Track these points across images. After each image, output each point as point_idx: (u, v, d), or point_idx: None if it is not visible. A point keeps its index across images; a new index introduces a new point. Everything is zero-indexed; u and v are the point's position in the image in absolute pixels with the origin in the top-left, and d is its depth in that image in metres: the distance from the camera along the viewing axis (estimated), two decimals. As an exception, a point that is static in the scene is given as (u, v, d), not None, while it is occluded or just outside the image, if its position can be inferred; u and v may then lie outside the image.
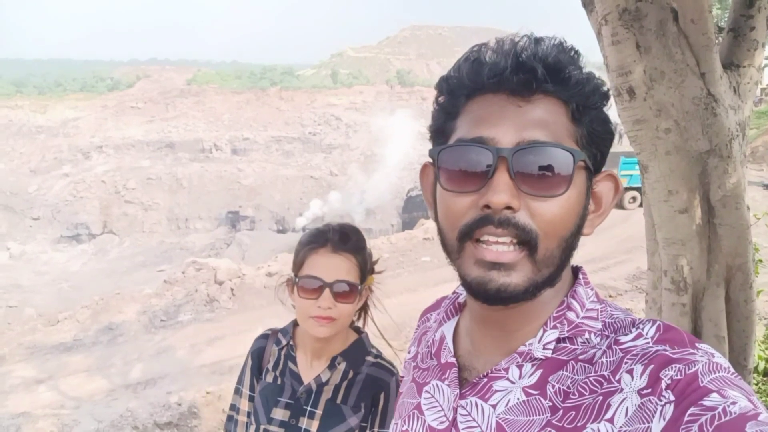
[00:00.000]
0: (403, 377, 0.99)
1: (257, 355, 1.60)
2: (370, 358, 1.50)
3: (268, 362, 1.58)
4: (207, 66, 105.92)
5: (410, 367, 0.95)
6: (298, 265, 1.48)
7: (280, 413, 1.47)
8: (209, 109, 57.10)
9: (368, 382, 1.45)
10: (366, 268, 1.50)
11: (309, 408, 1.45)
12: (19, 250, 38.73)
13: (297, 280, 1.45)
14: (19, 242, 39.78)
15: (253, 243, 34.89)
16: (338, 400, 1.44)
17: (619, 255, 13.88)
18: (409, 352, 1.00)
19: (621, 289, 12.18)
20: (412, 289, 11.80)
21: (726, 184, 2.23)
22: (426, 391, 0.85)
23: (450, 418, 0.78)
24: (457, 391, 0.79)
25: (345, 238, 1.47)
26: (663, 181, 2.27)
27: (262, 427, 1.49)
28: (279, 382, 1.53)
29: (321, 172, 49.30)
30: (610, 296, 12.04)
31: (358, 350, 1.51)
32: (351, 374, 1.47)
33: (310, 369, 1.50)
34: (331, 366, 1.47)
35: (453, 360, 0.82)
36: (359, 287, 1.45)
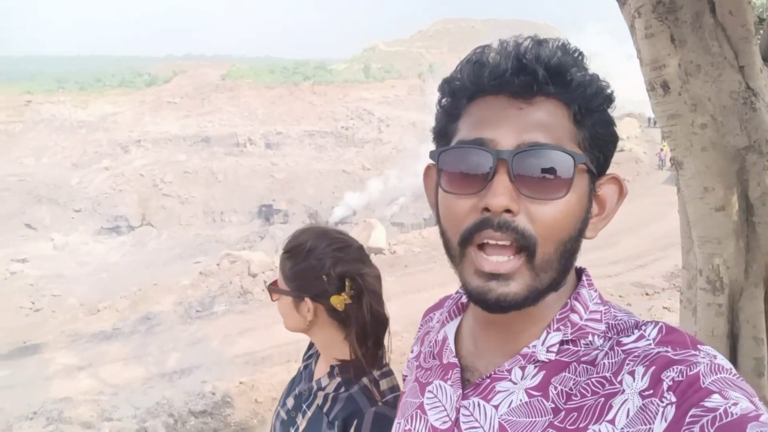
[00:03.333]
0: (406, 376, 1.00)
1: (310, 343, 1.66)
2: (365, 380, 1.40)
3: (308, 352, 1.64)
4: (241, 61, 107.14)
5: (413, 366, 0.96)
6: None
7: (290, 402, 1.51)
8: (243, 103, 57.80)
9: (347, 403, 1.38)
10: (295, 276, 1.44)
11: (304, 406, 1.46)
12: (62, 241, 39.99)
13: None
14: (62, 233, 41.08)
15: (286, 236, 35.21)
16: (324, 410, 1.41)
17: (657, 252, 13.57)
18: (412, 352, 1.00)
19: (658, 287, 11.91)
20: (443, 284, 11.77)
21: (766, 181, 2.16)
22: (429, 391, 0.85)
23: (453, 419, 0.78)
24: (460, 391, 0.79)
25: (286, 242, 1.50)
26: (698, 177, 2.21)
27: (278, 407, 1.55)
28: (302, 373, 1.58)
29: (353, 166, 49.42)
30: (647, 294, 11.77)
31: (357, 367, 1.43)
32: (342, 389, 1.41)
33: (320, 370, 1.51)
34: (330, 374, 1.45)
35: (455, 360, 0.83)
36: (275, 290, 1.48)
